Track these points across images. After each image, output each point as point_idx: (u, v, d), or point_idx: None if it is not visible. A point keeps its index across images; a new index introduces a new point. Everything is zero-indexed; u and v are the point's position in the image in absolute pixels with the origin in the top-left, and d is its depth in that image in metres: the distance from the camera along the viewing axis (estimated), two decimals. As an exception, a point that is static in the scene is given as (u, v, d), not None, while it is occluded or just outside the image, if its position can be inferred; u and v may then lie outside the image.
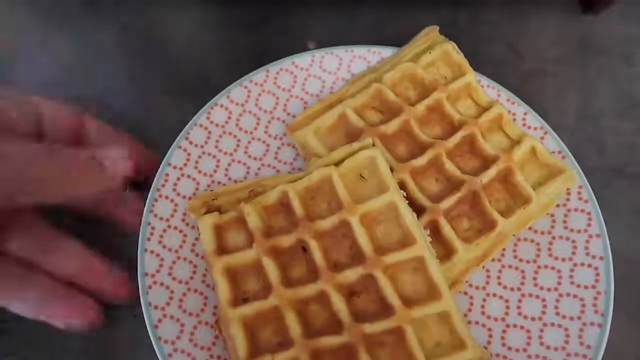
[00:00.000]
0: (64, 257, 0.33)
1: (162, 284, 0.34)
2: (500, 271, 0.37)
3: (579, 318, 0.34)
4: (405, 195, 0.35)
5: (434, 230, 0.35)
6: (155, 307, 0.33)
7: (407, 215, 0.33)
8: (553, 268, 0.36)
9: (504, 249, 0.37)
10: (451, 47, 0.40)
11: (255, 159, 0.40)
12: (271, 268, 0.33)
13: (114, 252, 0.35)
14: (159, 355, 0.32)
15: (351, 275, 0.32)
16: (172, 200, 0.37)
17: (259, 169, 0.40)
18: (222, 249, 0.34)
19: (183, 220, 0.37)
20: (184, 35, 0.47)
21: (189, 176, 0.38)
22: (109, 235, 0.36)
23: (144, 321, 0.33)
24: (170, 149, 0.38)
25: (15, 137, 0.31)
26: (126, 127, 0.37)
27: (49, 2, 0.49)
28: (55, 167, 0.30)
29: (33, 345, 0.35)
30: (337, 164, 0.35)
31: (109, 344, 0.36)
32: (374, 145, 0.36)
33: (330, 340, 0.31)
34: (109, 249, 0.35)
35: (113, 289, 0.34)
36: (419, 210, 0.35)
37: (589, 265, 0.35)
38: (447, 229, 0.35)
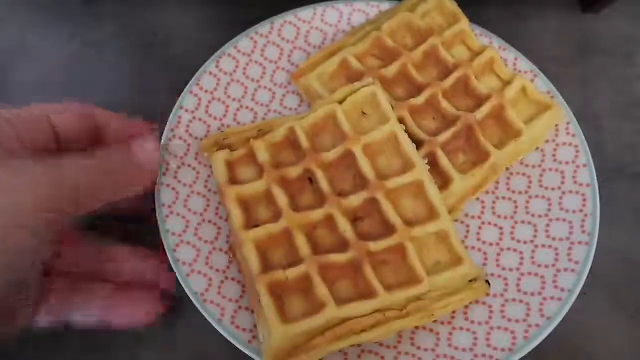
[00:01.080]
0: (119, 264, 0.34)
1: (178, 214, 0.36)
2: (494, 202, 0.39)
3: (567, 239, 0.36)
4: (404, 130, 0.37)
5: (432, 163, 0.37)
6: (173, 234, 0.36)
7: (407, 143, 0.36)
8: (543, 197, 0.38)
9: (497, 182, 0.39)
10: None
11: (262, 105, 0.42)
12: (280, 196, 0.35)
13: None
14: (178, 276, 0.34)
15: (356, 200, 0.35)
16: (185, 141, 0.39)
17: (265, 114, 0.42)
18: (234, 182, 0.37)
19: (196, 159, 0.39)
20: (184, 35, 0.48)
21: (200, 119, 0.40)
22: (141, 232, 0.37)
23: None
24: (182, 94, 0.40)
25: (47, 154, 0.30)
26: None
27: (48, 1, 0.49)
28: (103, 174, 0.30)
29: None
30: (340, 102, 0.38)
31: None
32: (374, 83, 0.38)
33: (337, 258, 0.33)
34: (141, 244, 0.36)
35: (168, 283, 0.35)
36: (417, 144, 0.37)
37: (577, 192, 0.38)
38: (444, 160, 0.37)
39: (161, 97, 0.43)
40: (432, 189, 0.35)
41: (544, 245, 0.37)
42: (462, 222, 0.38)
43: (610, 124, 0.44)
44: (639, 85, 0.46)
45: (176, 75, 0.43)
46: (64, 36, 0.47)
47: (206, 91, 0.41)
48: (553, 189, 0.38)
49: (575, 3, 0.50)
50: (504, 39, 0.43)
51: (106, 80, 0.44)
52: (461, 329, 0.34)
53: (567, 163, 0.39)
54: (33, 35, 0.47)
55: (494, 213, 0.39)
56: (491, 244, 0.37)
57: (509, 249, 0.37)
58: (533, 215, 0.38)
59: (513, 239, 0.37)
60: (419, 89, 0.40)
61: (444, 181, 0.37)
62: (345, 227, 0.34)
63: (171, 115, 0.39)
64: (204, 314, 0.33)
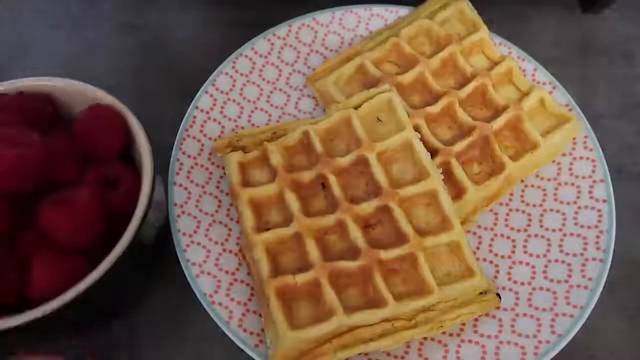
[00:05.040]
0: None
1: (189, 214, 0.36)
2: (507, 214, 0.39)
3: (581, 254, 0.36)
4: (419, 138, 0.37)
5: (446, 172, 0.37)
6: (184, 234, 0.36)
7: (422, 151, 0.35)
8: (558, 211, 0.38)
9: (511, 194, 0.39)
10: (465, 5, 0.42)
11: (276, 107, 0.42)
12: (292, 200, 0.35)
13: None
14: (187, 276, 0.34)
15: (368, 207, 0.35)
16: (199, 141, 0.39)
17: (280, 117, 0.42)
18: (246, 184, 0.36)
19: (209, 159, 0.39)
20: (184, 35, 0.47)
21: (214, 120, 0.40)
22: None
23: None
24: (197, 94, 0.40)
25: None
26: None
27: (48, 1, 0.49)
28: None
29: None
30: (356, 108, 0.38)
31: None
32: (390, 90, 0.38)
33: (347, 265, 0.33)
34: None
35: None
36: (431, 152, 0.37)
37: (592, 208, 0.37)
38: (458, 170, 0.37)
39: (161, 97, 0.43)
40: (445, 198, 0.35)
41: (557, 260, 0.36)
42: (474, 233, 0.38)
43: (610, 124, 0.44)
44: (639, 85, 0.46)
45: (176, 75, 0.43)
46: (63, 36, 0.48)
47: (221, 91, 0.41)
48: (568, 203, 0.38)
49: (575, 4, 0.50)
50: (504, 39, 0.43)
51: (106, 80, 0.44)
52: (470, 341, 0.34)
53: (583, 177, 0.38)
54: (33, 35, 0.48)
55: (507, 225, 0.38)
56: (503, 257, 0.37)
57: (521, 262, 0.37)
58: (547, 229, 0.37)
59: (526, 252, 0.37)
60: (435, 97, 0.39)
61: (457, 191, 0.37)
62: (356, 233, 0.34)
63: (186, 115, 0.39)
64: (212, 315, 0.33)
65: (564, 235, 0.37)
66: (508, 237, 0.38)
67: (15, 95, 0.35)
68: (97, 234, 0.31)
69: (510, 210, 0.39)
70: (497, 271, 0.37)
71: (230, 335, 0.33)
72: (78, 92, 0.35)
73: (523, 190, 0.39)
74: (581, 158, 0.39)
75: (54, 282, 0.29)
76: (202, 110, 0.40)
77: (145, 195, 0.31)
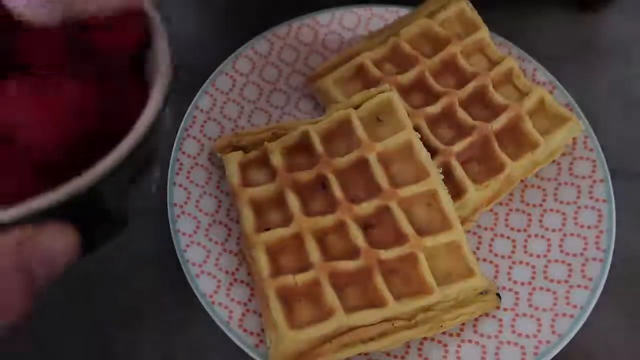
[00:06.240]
0: None
1: (189, 214, 0.36)
2: (507, 214, 0.39)
3: (581, 254, 0.36)
4: (420, 138, 0.37)
5: (446, 172, 0.37)
6: (184, 234, 0.36)
7: (422, 152, 0.35)
8: (558, 211, 0.38)
9: (511, 194, 0.39)
10: (465, 5, 0.42)
11: (276, 107, 0.42)
12: (292, 200, 0.35)
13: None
14: (187, 276, 0.34)
15: (368, 207, 0.35)
16: (199, 141, 0.39)
17: (280, 117, 0.42)
18: (246, 184, 0.36)
19: (209, 159, 0.39)
20: (184, 35, 0.47)
21: (214, 120, 0.40)
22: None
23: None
24: (197, 94, 0.40)
25: None
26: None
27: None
28: None
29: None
30: (356, 107, 0.38)
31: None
32: (390, 90, 0.38)
33: (347, 265, 0.33)
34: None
35: None
36: (431, 152, 0.37)
37: (593, 208, 0.37)
38: (458, 169, 0.37)
39: None
40: (445, 198, 0.35)
41: (557, 260, 0.36)
42: (474, 234, 0.38)
43: (610, 124, 0.44)
44: (638, 85, 0.46)
45: (176, 76, 0.43)
46: None
47: (221, 92, 0.41)
48: (568, 203, 0.38)
49: (574, 3, 0.49)
50: (504, 39, 0.43)
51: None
52: (470, 341, 0.34)
53: (583, 177, 0.38)
54: None
55: (507, 225, 0.38)
56: (503, 257, 0.37)
57: (521, 262, 0.37)
58: (547, 229, 0.37)
59: (526, 252, 0.37)
60: (435, 97, 0.39)
61: (457, 191, 0.37)
62: (356, 234, 0.34)
63: (186, 115, 0.39)
64: (212, 315, 0.33)
65: (564, 235, 0.37)
66: (508, 237, 0.38)
67: None
68: (79, 142, 0.22)
69: (510, 210, 0.39)
70: (497, 271, 0.37)
71: (230, 335, 0.33)
72: None
73: (523, 190, 0.39)
74: (581, 158, 0.39)
75: None
76: (202, 110, 0.40)
77: (157, 100, 0.24)
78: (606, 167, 0.38)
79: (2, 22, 0.23)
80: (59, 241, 0.22)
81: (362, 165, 0.36)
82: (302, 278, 0.32)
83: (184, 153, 0.38)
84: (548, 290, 0.35)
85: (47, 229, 0.21)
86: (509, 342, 0.33)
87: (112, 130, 0.23)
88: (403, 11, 0.44)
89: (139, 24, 0.26)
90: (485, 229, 0.38)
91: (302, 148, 0.38)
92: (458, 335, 0.34)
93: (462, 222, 0.36)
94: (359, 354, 0.33)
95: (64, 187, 0.21)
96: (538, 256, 0.37)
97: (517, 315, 0.35)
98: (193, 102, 0.40)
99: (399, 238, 0.34)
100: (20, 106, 0.21)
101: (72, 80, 0.22)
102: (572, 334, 0.33)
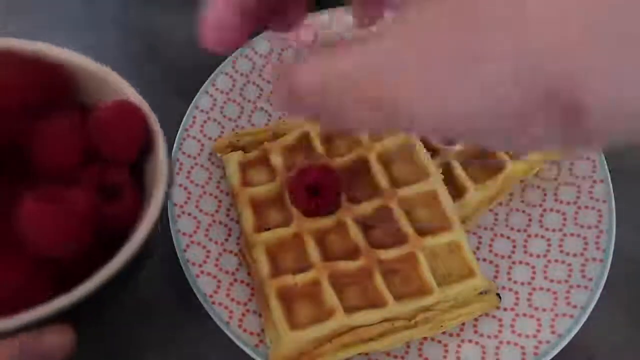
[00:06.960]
0: None
1: (189, 214, 0.36)
2: (507, 214, 0.39)
3: (581, 254, 0.36)
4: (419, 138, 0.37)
5: (446, 172, 0.37)
6: (184, 234, 0.36)
7: (422, 152, 0.35)
8: (558, 211, 0.38)
9: (511, 194, 0.39)
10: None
11: (277, 107, 0.42)
12: (292, 199, 0.35)
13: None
14: (187, 277, 0.34)
15: (368, 207, 0.35)
16: (199, 141, 0.39)
17: (280, 117, 0.42)
18: (246, 184, 0.36)
19: (209, 159, 0.39)
20: (184, 35, 0.47)
21: (214, 120, 0.40)
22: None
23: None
24: (198, 94, 0.40)
25: None
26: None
27: (49, 1, 0.49)
28: None
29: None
30: (356, 108, 0.38)
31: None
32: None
33: (347, 265, 0.33)
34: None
35: None
36: (432, 152, 0.37)
37: (592, 208, 0.37)
38: (458, 170, 0.37)
39: (162, 99, 0.43)
40: (445, 198, 0.35)
41: (557, 260, 0.36)
42: (474, 234, 0.38)
43: None
44: None
45: (176, 76, 0.43)
46: (63, 36, 0.48)
47: (221, 92, 0.41)
48: (568, 203, 0.38)
49: None
50: None
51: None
52: (470, 341, 0.34)
53: (583, 178, 0.38)
54: (33, 35, 0.48)
55: (507, 225, 0.38)
56: (503, 257, 0.37)
57: (521, 262, 0.37)
58: (547, 229, 0.37)
59: (525, 252, 0.37)
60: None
61: (457, 191, 0.37)
62: (356, 234, 0.34)
63: (186, 115, 0.39)
64: (212, 315, 0.33)
65: (564, 235, 0.37)
66: (508, 237, 0.38)
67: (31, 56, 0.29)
68: (82, 244, 0.25)
69: (511, 210, 0.39)
70: (497, 271, 0.37)
71: (230, 335, 0.33)
72: (100, 77, 0.30)
73: (523, 190, 0.39)
74: (581, 158, 0.39)
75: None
76: (202, 110, 0.40)
77: (157, 206, 0.26)
78: (606, 167, 0.38)
79: (20, 133, 0.27)
80: (58, 341, 0.24)
81: (362, 165, 0.36)
82: (302, 278, 0.32)
83: (184, 153, 0.38)
84: (548, 290, 0.35)
85: (48, 331, 0.24)
86: (508, 342, 0.33)
87: (111, 232, 0.26)
88: (403, 11, 0.44)
89: (142, 137, 0.29)
90: (485, 229, 0.38)
91: (302, 148, 0.38)
92: (458, 335, 0.34)
93: (462, 222, 0.36)
94: (359, 354, 0.33)
95: (67, 295, 0.24)
96: (538, 256, 0.37)
97: (517, 315, 0.35)
98: (193, 102, 0.40)
99: (399, 238, 0.34)
100: (34, 216, 0.24)
101: (78, 190, 0.25)
102: (572, 334, 0.33)
